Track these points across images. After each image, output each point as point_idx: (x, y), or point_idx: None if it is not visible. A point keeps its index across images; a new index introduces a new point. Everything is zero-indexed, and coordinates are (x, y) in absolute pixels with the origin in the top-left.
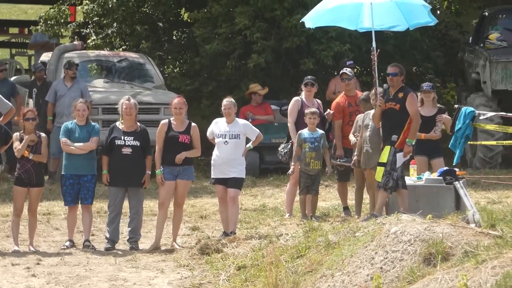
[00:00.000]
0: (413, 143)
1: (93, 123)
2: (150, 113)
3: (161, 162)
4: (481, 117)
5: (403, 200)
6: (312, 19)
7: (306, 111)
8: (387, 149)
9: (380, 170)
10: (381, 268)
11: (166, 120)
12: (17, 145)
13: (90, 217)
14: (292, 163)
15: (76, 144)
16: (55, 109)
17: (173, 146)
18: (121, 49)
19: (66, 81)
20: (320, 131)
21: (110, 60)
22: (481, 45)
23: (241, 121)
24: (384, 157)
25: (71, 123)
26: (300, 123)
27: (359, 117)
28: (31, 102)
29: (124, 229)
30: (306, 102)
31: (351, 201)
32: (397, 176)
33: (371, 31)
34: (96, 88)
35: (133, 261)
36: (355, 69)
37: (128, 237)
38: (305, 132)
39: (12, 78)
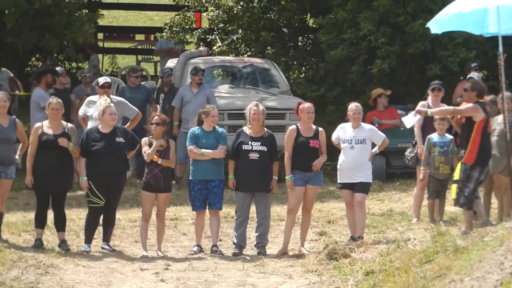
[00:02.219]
0: None
1: (220, 130)
2: (276, 118)
3: (292, 168)
4: None
5: (466, 219)
6: (437, 24)
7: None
8: (459, 166)
9: (454, 188)
10: (511, 273)
11: (294, 126)
12: (146, 150)
13: (218, 222)
14: (422, 168)
15: (203, 150)
16: (181, 115)
17: (304, 152)
18: (246, 55)
19: (192, 87)
20: (450, 136)
21: (236, 66)
22: None
23: (367, 126)
24: (457, 174)
25: (198, 129)
26: (426, 128)
27: None
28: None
29: (252, 234)
30: (432, 107)
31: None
32: (469, 192)
33: (497, 36)
34: (221, 94)
35: (261, 266)
36: (482, 74)
37: (255, 242)
38: (434, 136)
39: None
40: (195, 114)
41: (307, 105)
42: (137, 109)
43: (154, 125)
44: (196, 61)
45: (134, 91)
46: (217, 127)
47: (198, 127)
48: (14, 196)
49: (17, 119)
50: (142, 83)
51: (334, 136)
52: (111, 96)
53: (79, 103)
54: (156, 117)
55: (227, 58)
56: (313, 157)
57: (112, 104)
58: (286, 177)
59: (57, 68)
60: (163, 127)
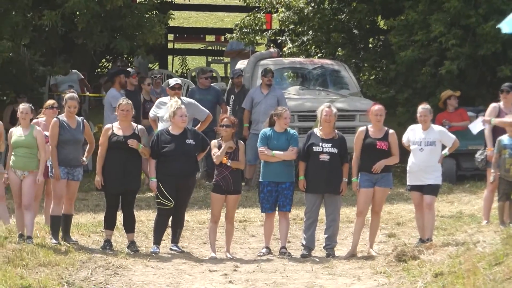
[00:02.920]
0: None
1: (292, 131)
2: (346, 120)
3: (359, 169)
4: None
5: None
6: (509, 25)
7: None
8: None
9: None
10: None
11: (364, 127)
12: (215, 152)
13: (287, 224)
14: (492, 170)
15: (274, 152)
16: (251, 116)
17: (371, 153)
18: (316, 56)
19: (262, 89)
20: None
21: (306, 67)
22: None
23: (436, 127)
24: None
25: (270, 130)
26: (497, 130)
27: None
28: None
29: (321, 236)
30: (503, 109)
31: None
32: None
33: None
34: (291, 95)
35: (330, 268)
36: None
37: (324, 244)
38: (505, 138)
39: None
40: (265, 115)
41: (376, 107)
42: (207, 111)
43: (224, 127)
44: (266, 63)
45: (204, 92)
46: (288, 128)
47: (269, 128)
48: (84, 198)
49: (85, 120)
50: (212, 84)
51: (404, 138)
52: (182, 97)
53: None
54: (225, 119)
55: (297, 59)
56: (381, 159)
57: (182, 106)
58: (352, 179)
59: (128, 69)
60: (233, 129)
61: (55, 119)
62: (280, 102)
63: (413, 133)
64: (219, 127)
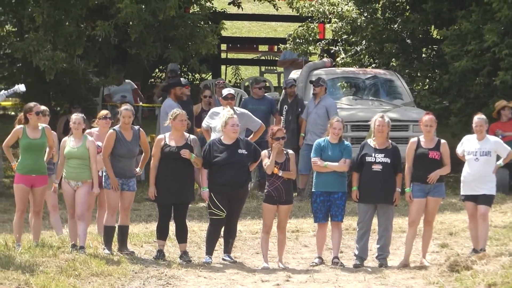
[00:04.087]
0: None
1: (346, 142)
2: (399, 130)
3: (412, 179)
4: None
5: None
6: None
7: None
8: None
9: None
10: None
11: (416, 138)
12: (266, 162)
13: (340, 234)
14: None
15: (327, 163)
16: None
17: (423, 163)
18: (370, 67)
19: (314, 99)
20: None
21: (359, 77)
22: None
23: (492, 138)
24: None
25: (324, 140)
26: None
27: None
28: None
29: (373, 246)
30: None
31: None
32: None
33: None
34: (344, 105)
35: (382, 278)
36: None
37: (376, 254)
38: None
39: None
40: (314, 125)
41: (425, 117)
42: (260, 121)
43: (279, 140)
44: (319, 72)
45: (257, 102)
46: (344, 139)
47: (323, 138)
48: (137, 208)
49: (141, 129)
50: (266, 94)
51: (459, 148)
52: (235, 107)
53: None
54: (278, 131)
55: (350, 69)
56: (433, 168)
57: (234, 116)
58: (405, 189)
59: (181, 79)
60: (283, 140)
61: (111, 130)
62: (329, 112)
63: (468, 143)
64: (271, 139)
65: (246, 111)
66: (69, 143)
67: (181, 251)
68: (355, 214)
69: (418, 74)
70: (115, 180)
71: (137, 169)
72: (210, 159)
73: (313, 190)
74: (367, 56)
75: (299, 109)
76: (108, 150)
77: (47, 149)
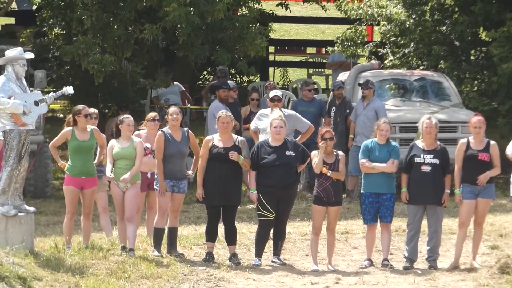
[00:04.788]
0: None
1: (393, 143)
2: (447, 131)
3: (462, 181)
4: None
5: None
6: None
7: None
8: None
9: None
10: None
11: (465, 139)
12: (315, 161)
13: (389, 235)
14: None
15: (375, 164)
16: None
17: (473, 165)
18: (419, 69)
19: (363, 101)
20: None
21: (407, 79)
22: None
23: None
24: None
25: (371, 142)
26: None
27: None
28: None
29: (423, 247)
30: None
31: None
32: None
33: None
34: (392, 107)
35: (432, 280)
36: None
37: (426, 255)
38: None
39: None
40: (363, 127)
41: (474, 119)
42: (309, 122)
43: (327, 140)
44: (366, 75)
45: (307, 104)
46: (391, 140)
47: (371, 140)
48: (186, 210)
49: (190, 131)
50: (315, 96)
51: (508, 149)
52: (283, 109)
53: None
54: (326, 132)
55: (397, 71)
56: (482, 170)
57: (280, 118)
58: (455, 190)
59: (229, 82)
60: (331, 141)
61: (160, 132)
62: (378, 114)
63: None
64: (320, 140)
65: (294, 113)
66: (117, 144)
67: (230, 253)
68: (404, 215)
69: (467, 76)
70: (163, 185)
71: (189, 172)
72: (258, 161)
73: (361, 191)
74: (415, 58)
75: (347, 111)
76: (160, 153)
77: (98, 151)
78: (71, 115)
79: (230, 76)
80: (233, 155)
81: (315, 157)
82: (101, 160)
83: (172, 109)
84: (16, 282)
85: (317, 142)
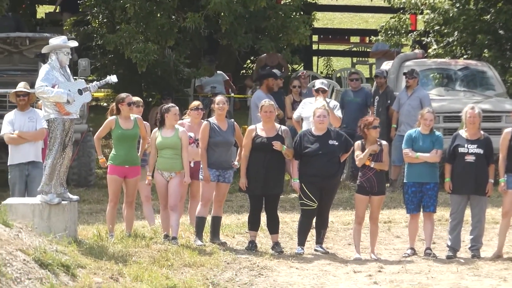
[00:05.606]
0: None
1: (437, 133)
2: (491, 121)
3: (506, 170)
4: None
5: None
6: None
7: None
8: None
9: None
10: None
11: (510, 129)
12: (358, 154)
13: (432, 225)
14: None
15: (418, 154)
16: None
17: None
18: (462, 58)
19: (407, 90)
20: None
21: (451, 68)
22: None
23: None
24: None
25: (415, 131)
26: None
27: None
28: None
29: (466, 237)
30: None
31: None
32: None
33: None
34: (436, 96)
35: (475, 269)
36: None
37: (469, 245)
38: None
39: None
40: (407, 117)
41: None
42: (341, 116)
43: (371, 129)
44: (410, 64)
45: (354, 94)
46: (435, 130)
47: (415, 129)
48: (229, 199)
49: (235, 123)
50: (362, 85)
51: None
52: (327, 99)
53: None
54: (373, 120)
55: (441, 60)
56: None
57: (323, 107)
58: (499, 180)
59: (275, 71)
60: (377, 130)
61: (205, 122)
62: (423, 103)
63: None
64: (366, 129)
65: (335, 103)
66: (161, 133)
67: (273, 242)
68: (447, 205)
69: (511, 65)
70: (207, 174)
71: (235, 162)
72: (301, 150)
73: (405, 181)
74: (459, 47)
75: (389, 101)
76: (204, 142)
77: (142, 141)
78: (114, 104)
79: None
80: (276, 145)
81: (358, 149)
82: (145, 150)
83: (219, 98)
84: (59, 269)
85: (359, 132)
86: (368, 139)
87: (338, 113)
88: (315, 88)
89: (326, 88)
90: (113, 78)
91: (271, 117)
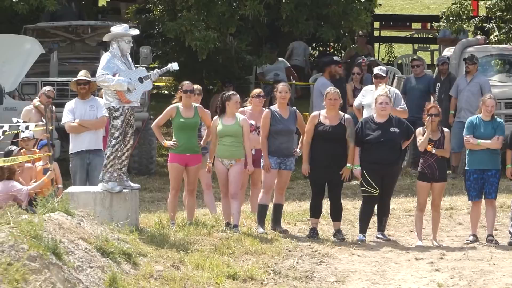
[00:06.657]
0: None
1: (498, 119)
2: None
3: None
4: None
5: None
6: None
7: None
8: None
9: None
10: None
11: None
12: (420, 139)
13: (494, 211)
14: None
15: (480, 140)
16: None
17: None
18: None
19: (466, 76)
20: None
21: None
22: None
23: None
24: None
25: (476, 118)
26: None
27: None
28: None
29: None
30: None
31: None
32: None
33: None
34: (497, 83)
35: None
36: None
37: None
38: None
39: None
40: (467, 103)
41: None
42: (405, 106)
43: (432, 116)
44: (471, 50)
45: (417, 80)
46: (496, 117)
47: (475, 116)
48: (290, 186)
49: (297, 111)
50: (426, 72)
51: None
52: (387, 86)
53: None
54: (432, 108)
55: (503, 46)
56: None
57: (385, 94)
58: None
59: (335, 58)
60: (437, 117)
61: (266, 110)
62: (483, 90)
63: None
64: (425, 116)
65: (396, 91)
66: (221, 121)
67: (335, 229)
68: (509, 191)
69: None
70: (268, 162)
71: (297, 150)
72: (363, 137)
73: (466, 167)
74: None
75: (451, 88)
76: (265, 130)
77: (205, 132)
78: (181, 91)
79: (335, 52)
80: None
81: (420, 134)
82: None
83: (282, 86)
84: (121, 257)
85: (423, 119)
86: (429, 126)
87: (403, 106)
88: (374, 74)
89: (383, 75)
90: (174, 66)
91: (336, 104)
